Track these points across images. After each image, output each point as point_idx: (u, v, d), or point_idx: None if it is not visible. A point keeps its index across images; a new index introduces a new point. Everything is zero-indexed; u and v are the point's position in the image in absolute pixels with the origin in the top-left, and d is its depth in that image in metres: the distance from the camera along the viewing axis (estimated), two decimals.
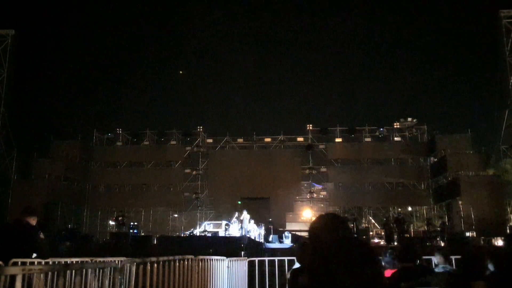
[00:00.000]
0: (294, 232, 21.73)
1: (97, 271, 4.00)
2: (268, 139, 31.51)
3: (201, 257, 7.23)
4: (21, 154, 28.07)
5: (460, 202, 24.37)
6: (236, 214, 21.25)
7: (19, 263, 5.09)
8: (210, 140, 32.00)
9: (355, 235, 16.54)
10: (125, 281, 4.71)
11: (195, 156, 31.71)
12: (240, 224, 20.26)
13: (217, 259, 8.12)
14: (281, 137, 31.01)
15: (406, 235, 21.54)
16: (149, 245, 19.27)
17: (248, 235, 19.32)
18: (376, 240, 24.37)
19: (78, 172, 29.28)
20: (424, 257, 8.09)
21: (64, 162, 27.48)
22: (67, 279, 4.07)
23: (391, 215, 26.82)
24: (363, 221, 29.93)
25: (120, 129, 31.86)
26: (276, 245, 19.43)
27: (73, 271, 3.67)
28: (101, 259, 7.03)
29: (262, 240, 19.96)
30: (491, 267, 3.71)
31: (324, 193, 31.69)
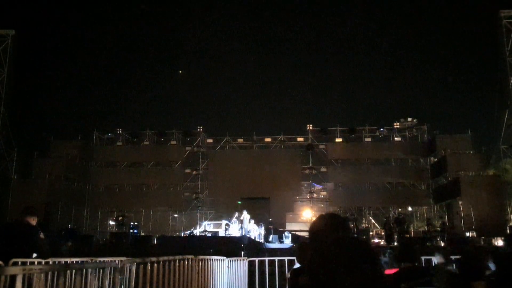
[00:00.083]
0: (294, 232, 21.72)
1: (97, 271, 4.00)
2: (268, 139, 31.51)
3: (201, 257, 7.23)
4: (21, 154, 28.07)
5: (460, 202, 24.37)
6: (236, 214, 21.25)
7: (19, 263, 5.09)
8: (210, 140, 32.01)
9: (355, 235, 16.55)
10: (125, 281, 4.72)
11: (195, 156, 31.72)
12: (240, 224, 20.26)
13: (217, 259, 8.12)
14: (281, 137, 31.01)
15: (406, 235, 21.55)
16: (149, 245, 19.27)
17: (248, 235, 19.33)
18: (376, 240, 24.37)
19: (78, 172, 29.28)
20: (424, 257, 8.11)
21: (64, 162, 27.46)
22: (67, 279, 4.07)
23: (391, 215, 26.83)
24: (363, 221, 29.92)
25: (120, 129, 31.86)
26: (276, 245, 19.43)
27: (73, 271, 3.68)
28: (101, 259, 7.03)
29: (262, 240, 19.96)
30: (492, 266, 3.71)
31: (324, 193, 31.69)
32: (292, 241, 19.55)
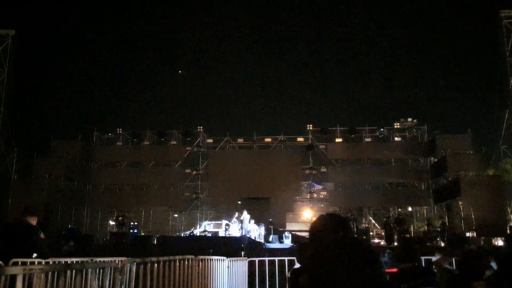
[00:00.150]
0: (294, 232, 21.72)
1: (98, 271, 4.00)
2: (268, 139, 31.51)
3: (201, 257, 7.24)
4: (21, 154, 28.07)
5: (460, 203, 24.37)
6: (236, 214, 21.24)
7: (19, 263, 5.09)
8: (210, 140, 32.02)
9: (355, 236, 16.54)
10: (126, 281, 4.72)
11: (195, 156, 31.72)
12: (240, 224, 20.25)
13: (217, 259, 8.12)
14: (281, 137, 31.01)
15: (406, 235, 21.53)
16: (149, 245, 19.25)
17: (248, 235, 19.32)
18: (376, 241, 24.38)
19: (78, 172, 29.28)
20: (424, 257, 8.11)
21: (64, 162, 27.47)
22: (67, 279, 4.07)
23: (391, 215, 26.83)
24: (363, 221, 29.92)
25: (120, 129, 31.87)
26: (276, 245, 19.42)
27: (74, 271, 3.68)
28: (101, 259, 7.03)
29: (262, 240, 19.95)
30: (494, 266, 3.71)
31: (324, 193, 31.68)
32: (292, 241, 19.54)
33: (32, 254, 5.80)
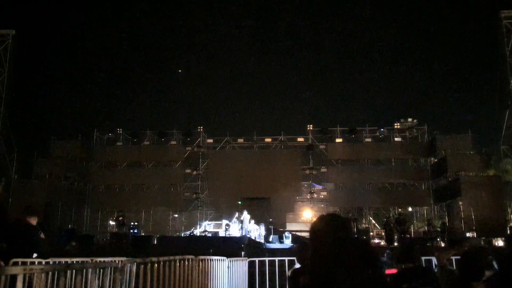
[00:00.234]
0: (294, 233, 21.72)
1: (98, 271, 4.00)
2: (268, 139, 31.50)
3: (201, 257, 7.23)
4: (21, 154, 28.08)
5: (460, 203, 24.38)
6: (237, 214, 21.24)
7: (20, 263, 5.09)
8: (210, 140, 32.01)
9: (355, 236, 16.53)
10: (126, 281, 4.72)
11: (196, 156, 31.70)
12: (241, 224, 20.26)
13: (217, 259, 8.12)
14: (281, 137, 31.01)
15: (406, 235, 21.53)
16: (149, 245, 19.26)
17: (249, 235, 19.33)
18: (376, 241, 24.39)
19: (78, 172, 29.29)
20: (424, 257, 8.10)
21: (64, 162, 27.47)
22: (67, 279, 4.07)
23: (391, 215, 26.83)
24: (364, 221, 29.93)
25: (120, 129, 31.86)
26: (277, 245, 19.42)
27: (74, 271, 3.68)
28: (102, 259, 7.03)
29: (262, 240, 19.95)
30: (496, 266, 3.71)
31: (325, 193, 31.68)
32: (293, 241, 19.54)
33: (32, 254, 5.81)
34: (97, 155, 31.17)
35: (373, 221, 31.14)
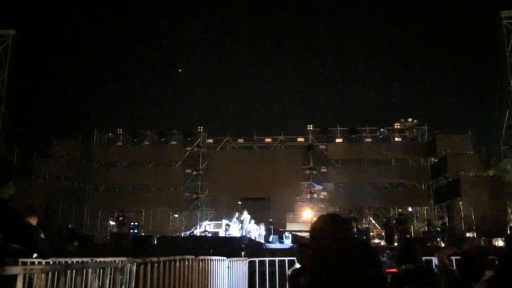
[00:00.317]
0: (294, 233, 21.72)
1: (98, 271, 4.00)
2: (268, 139, 31.51)
3: (201, 257, 7.23)
4: (21, 154, 28.09)
5: (460, 203, 24.36)
6: (237, 215, 21.23)
7: (20, 263, 5.09)
8: (210, 140, 32.02)
9: (356, 236, 16.52)
10: (126, 281, 4.72)
11: (196, 156, 31.72)
12: (241, 224, 20.25)
13: (217, 259, 8.12)
14: (281, 137, 31.01)
15: (406, 235, 21.52)
16: (150, 245, 19.25)
17: (249, 236, 19.32)
18: (376, 241, 24.38)
19: (78, 172, 29.28)
20: (424, 257, 8.10)
21: (64, 162, 27.47)
22: (67, 279, 4.07)
23: (391, 215, 26.83)
24: (364, 221, 29.93)
25: (120, 129, 31.87)
26: (277, 245, 19.42)
27: (74, 271, 3.68)
28: (102, 259, 7.03)
29: (262, 241, 19.95)
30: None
31: (325, 193, 31.69)
32: (293, 241, 19.54)
33: (32, 254, 5.80)
34: (97, 155, 31.17)
35: (373, 221, 31.14)
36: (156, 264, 5.32)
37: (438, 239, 21.21)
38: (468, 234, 22.63)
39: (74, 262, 6.14)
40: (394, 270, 4.38)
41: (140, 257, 5.21)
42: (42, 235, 6.36)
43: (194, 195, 30.63)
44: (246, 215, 20.37)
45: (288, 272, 5.82)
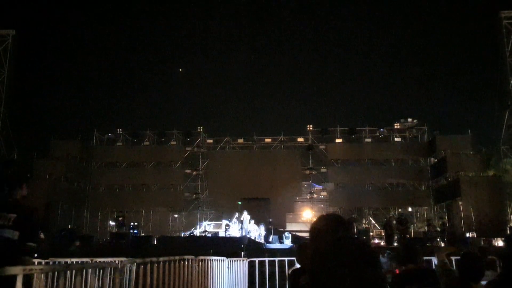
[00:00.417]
0: (294, 233, 21.71)
1: (98, 271, 4.00)
2: (268, 140, 31.51)
3: (201, 257, 7.24)
4: (21, 155, 28.06)
5: (460, 203, 24.36)
6: (237, 215, 21.24)
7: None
8: (210, 141, 32.02)
9: (355, 236, 16.51)
10: (126, 281, 4.72)
11: (195, 156, 31.73)
12: (240, 224, 20.26)
13: (217, 260, 8.12)
14: (281, 138, 31.02)
15: (407, 235, 21.51)
16: (149, 246, 19.26)
17: (248, 236, 19.33)
18: (376, 241, 24.37)
19: (78, 172, 29.27)
20: (424, 257, 8.10)
21: (64, 163, 27.45)
22: (67, 279, 4.07)
23: (391, 215, 26.83)
24: (363, 221, 29.91)
25: (120, 129, 31.85)
26: (276, 245, 19.42)
27: (74, 271, 3.68)
28: (102, 259, 7.04)
29: (262, 241, 19.96)
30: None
31: (325, 193, 31.69)
32: (292, 241, 19.54)
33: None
34: (97, 155, 31.16)
35: (373, 221, 31.12)
36: (156, 264, 5.33)
37: (438, 239, 21.20)
38: (468, 234, 22.64)
39: (74, 262, 6.15)
40: (395, 270, 4.37)
41: (140, 257, 5.22)
42: (42, 235, 6.36)
43: (194, 195, 30.63)
44: (246, 215, 20.37)
45: (288, 272, 5.82)
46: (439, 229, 22.13)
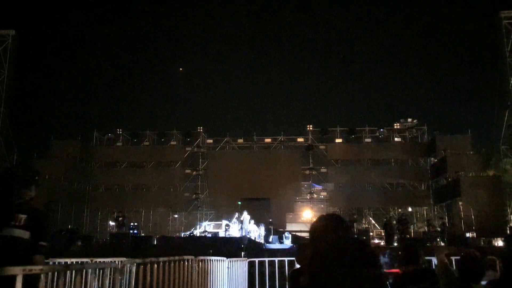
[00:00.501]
0: (294, 233, 21.71)
1: (97, 271, 3.99)
2: (268, 140, 31.51)
3: (201, 257, 7.23)
4: (21, 154, 28.04)
5: (460, 203, 24.38)
6: (236, 215, 21.23)
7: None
8: (210, 141, 32.02)
9: (355, 236, 16.50)
10: (125, 281, 4.71)
11: (195, 156, 31.73)
12: (240, 224, 20.25)
13: (217, 260, 8.12)
14: (281, 138, 31.02)
15: (407, 236, 21.51)
16: (149, 246, 19.25)
17: (248, 236, 19.32)
18: (376, 241, 24.36)
19: (78, 172, 29.27)
20: (425, 258, 8.09)
21: (64, 163, 27.45)
22: (67, 279, 4.06)
23: (391, 215, 26.83)
24: (363, 221, 29.93)
25: (120, 129, 31.85)
26: (276, 245, 19.41)
27: (73, 271, 3.67)
28: (101, 260, 7.04)
29: (262, 241, 19.95)
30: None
31: (324, 193, 31.68)
32: (292, 241, 19.53)
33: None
34: (97, 155, 31.16)
35: (373, 221, 31.12)
36: (156, 265, 5.32)
37: (438, 239, 21.20)
38: (468, 234, 22.65)
39: (74, 262, 6.14)
40: (396, 270, 4.37)
41: (140, 257, 5.21)
42: None
43: (194, 195, 30.62)
44: (246, 215, 20.36)
45: (288, 272, 5.82)
46: (439, 229, 22.13)
